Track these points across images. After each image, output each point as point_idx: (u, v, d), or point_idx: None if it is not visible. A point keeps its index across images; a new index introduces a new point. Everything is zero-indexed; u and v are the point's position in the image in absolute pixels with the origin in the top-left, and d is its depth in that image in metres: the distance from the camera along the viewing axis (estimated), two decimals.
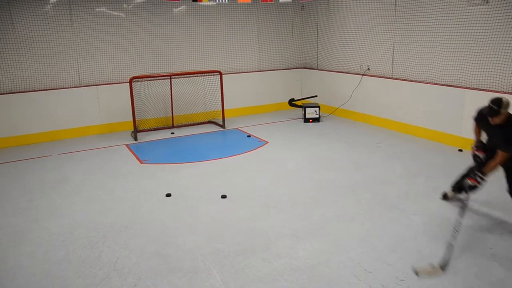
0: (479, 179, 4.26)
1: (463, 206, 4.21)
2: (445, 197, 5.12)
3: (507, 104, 4.07)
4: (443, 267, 3.77)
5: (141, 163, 6.84)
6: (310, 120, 9.31)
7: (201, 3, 9.02)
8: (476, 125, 4.58)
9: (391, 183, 5.67)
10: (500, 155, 4.12)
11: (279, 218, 4.75)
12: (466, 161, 6.36)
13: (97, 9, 8.43)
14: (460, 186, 4.91)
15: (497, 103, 4.04)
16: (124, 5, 8.66)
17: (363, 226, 4.53)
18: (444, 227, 4.41)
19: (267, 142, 7.82)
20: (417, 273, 3.75)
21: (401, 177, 5.89)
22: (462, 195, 4.74)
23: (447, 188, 5.17)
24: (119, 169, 6.54)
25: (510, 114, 4.18)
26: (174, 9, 9.15)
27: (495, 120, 4.13)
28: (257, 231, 4.47)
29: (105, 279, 3.70)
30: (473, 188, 4.40)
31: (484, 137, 4.58)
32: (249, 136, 8.35)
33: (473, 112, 6.98)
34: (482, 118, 4.36)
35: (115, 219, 4.84)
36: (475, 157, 4.51)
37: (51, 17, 8.08)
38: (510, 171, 4.35)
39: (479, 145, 4.53)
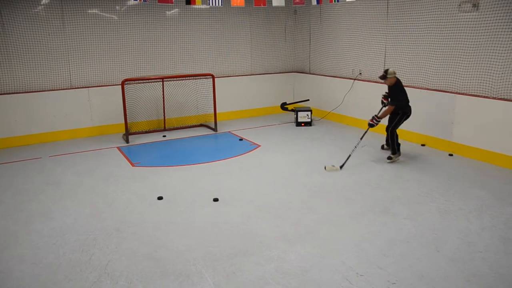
0: (375, 121, 6.60)
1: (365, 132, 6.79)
2: (389, 158, 6.75)
3: (392, 72, 6.41)
4: (341, 167, 6.37)
5: (133, 165, 6.81)
6: (302, 124, 9.34)
7: (194, 6, 9.02)
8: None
9: (383, 188, 5.71)
10: (389, 106, 6.51)
11: (271, 222, 4.76)
12: (457, 166, 6.46)
13: (89, 11, 8.39)
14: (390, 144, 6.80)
15: (385, 71, 6.45)
16: (117, 7, 8.63)
17: (355, 230, 4.55)
18: (434, 231, 4.46)
19: (259, 146, 7.83)
20: (325, 168, 6.34)
21: (393, 181, 5.93)
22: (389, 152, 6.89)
23: (436, 191, 5.45)
24: (110, 172, 6.50)
25: (397, 79, 6.48)
26: (167, 12, 9.14)
27: (386, 83, 6.58)
28: (249, 235, 4.47)
29: (96, 282, 3.67)
30: (371, 126, 6.65)
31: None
32: (241, 139, 8.35)
33: (464, 117, 7.13)
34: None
35: (106, 222, 4.81)
36: (382, 102, 6.75)
37: (42, 19, 8.02)
38: (391, 117, 6.70)
39: (385, 95, 6.78)
